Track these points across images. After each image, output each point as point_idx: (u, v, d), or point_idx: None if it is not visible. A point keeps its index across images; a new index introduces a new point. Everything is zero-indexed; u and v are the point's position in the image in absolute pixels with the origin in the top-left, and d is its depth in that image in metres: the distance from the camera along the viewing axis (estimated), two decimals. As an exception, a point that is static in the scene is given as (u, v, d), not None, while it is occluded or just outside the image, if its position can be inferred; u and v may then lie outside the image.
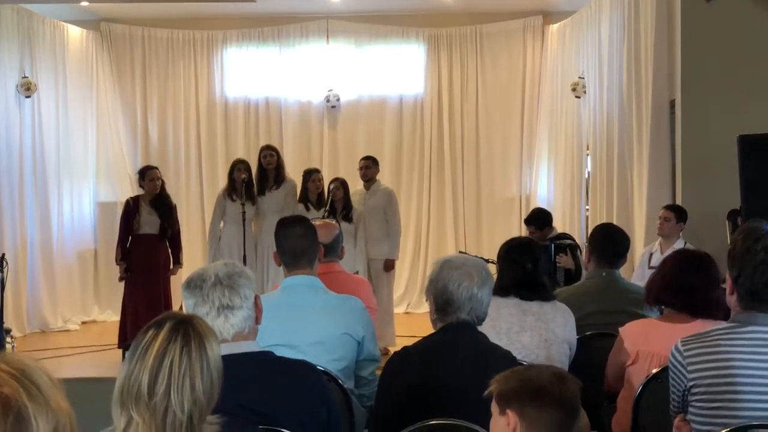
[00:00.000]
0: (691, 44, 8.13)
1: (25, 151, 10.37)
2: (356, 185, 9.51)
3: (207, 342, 2.19)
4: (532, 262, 4.27)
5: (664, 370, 3.32)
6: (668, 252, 5.86)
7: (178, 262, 9.11)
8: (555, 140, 11.61)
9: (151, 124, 12.16)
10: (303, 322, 3.87)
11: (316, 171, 9.48)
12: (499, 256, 4.40)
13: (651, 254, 7.78)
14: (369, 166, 9.36)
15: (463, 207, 12.23)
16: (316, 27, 12.09)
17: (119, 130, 11.98)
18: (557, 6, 11.69)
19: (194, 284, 2.92)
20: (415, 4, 11.76)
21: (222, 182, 10.17)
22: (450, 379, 3.18)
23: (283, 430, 2.84)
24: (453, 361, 3.25)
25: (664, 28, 8.48)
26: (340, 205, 9.01)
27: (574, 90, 10.68)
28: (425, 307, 12.20)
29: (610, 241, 4.97)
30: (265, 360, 2.97)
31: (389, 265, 9.26)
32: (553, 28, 11.84)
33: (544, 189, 11.87)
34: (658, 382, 3.59)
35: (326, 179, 9.45)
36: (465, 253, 9.09)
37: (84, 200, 11.62)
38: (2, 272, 8.35)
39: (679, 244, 7.41)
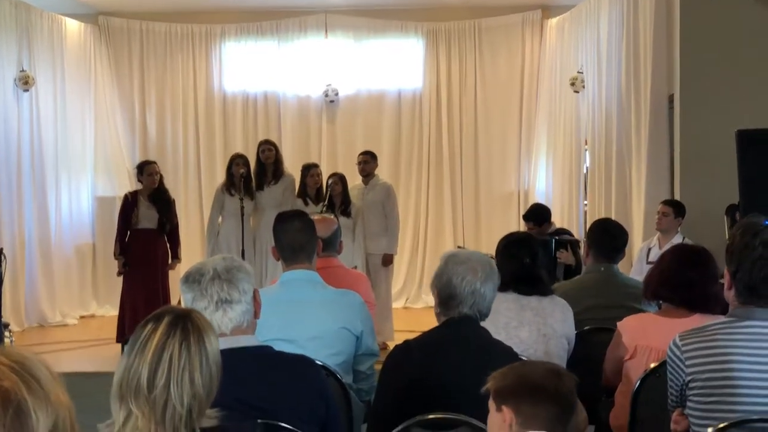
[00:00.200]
0: (690, 39, 8.13)
1: (23, 145, 10.36)
2: (355, 180, 9.51)
3: (206, 336, 2.20)
4: (531, 256, 4.27)
5: (662, 365, 3.33)
6: (666, 247, 5.84)
7: (176, 257, 9.11)
8: (554, 135, 11.61)
9: (149, 118, 12.15)
10: (301, 317, 3.87)
11: (315, 166, 9.48)
12: (497, 251, 4.40)
13: (649, 249, 7.79)
14: (367, 161, 9.35)
15: (461, 202, 12.23)
16: (315, 21, 12.08)
17: (117, 125, 11.97)
18: (556, 0, 11.68)
19: (193, 278, 2.92)
20: (413, -2, 11.78)
21: (220, 177, 10.16)
22: (451, 374, 3.18)
23: (281, 424, 2.84)
24: (454, 355, 3.25)
25: (663, 23, 8.48)
26: (338, 199, 9.00)
27: (572, 85, 10.67)
28: (424, 302, 12.31)
29: (609, 236, 4.97)
30: (263, 354, 2.97)
31: (388, 260, 9.25)
32: (552, 22, 11.83)
33: (542, 184, 11.87)
34: (656, 376, 3.59)
35: (325, 174, 9.44)
36: (463, 248, 9.10)
37: (82, 194, 11.61)
38: (0, 267, 8.34)
39: (677, 239, 7.41)
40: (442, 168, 12.19)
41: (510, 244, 4.37)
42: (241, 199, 8.96)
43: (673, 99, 8.38)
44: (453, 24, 12.15)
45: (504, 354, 3.22)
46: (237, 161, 9.25)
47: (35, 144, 10.57)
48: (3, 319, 8.53)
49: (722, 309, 3.49)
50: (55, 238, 10.94)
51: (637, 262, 7.93)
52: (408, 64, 12.20)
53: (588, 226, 5.80)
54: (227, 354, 2.84)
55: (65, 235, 11.16)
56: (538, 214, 8.24)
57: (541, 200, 10.69)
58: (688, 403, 3.02)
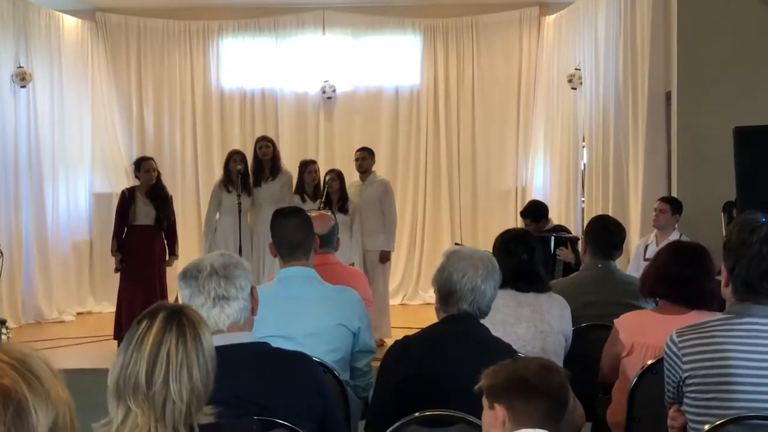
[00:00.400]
0: (687, 36, 8.13)
1: (20, 141, 10.35)
2: (352, 177, 9.51)
3: (200, 331, 2.22)
4: (528, 253, 4.27)
5: (659, 362, 3.33)
6: (664, 244, 5.86)
7: (173, 253, 9.11)
8: (551, 132, 11.62)
9: (146, 114, 12.13)
10: (299, 313, 3.88)
11: (312, 162, 9.48)
12: (494, 247, 4.39)
13: (646, 246, 7.79)
14: (365, 158, 9.35)
15: (459, 198, 12.23)
16: (312, 18, 12.07)
17: (114, 121, 11.96)
18: (554, -3, 11.69)
19: (190, 275, 2.92)
20: (411, -6, 11.77)
21: (218, 173, 10.16)
22: (449, 370, 3.18)
23: (278, 420, 2.84)
24: (453, 352, 3.25)
25: (660, 20, 8.48)
26: (335, 196, 9.00)
27: (570, 81, 10.68)
28: (421, 299, 12.29)
29: (606, 233, 4.97)
30: (260, 351, 2.97)
31: (385, 257, 9.26)
32: (550, 19, 11.83)
33: (540, 181, 11.87)
34: (653, 373, 3.59)
35: (322, 171, 9.44)
36: (460, 244, 9.10)
37: (79, 191, 11.61)
38: (-3, 263, 8.35)
39: (674, 236, 7.42)
40: (439, 165, 12.19)
41: (507, 241, 4.37)
42: (239, 196, 8.96)
43: (671, 96, 8.39)
44: (450, 21, 12.14)
45: (502, 351, 3.22)
46: (234, 158, 9.25)
47: (32, 140, 10.56)
48: (0, 316, 8.53)
49: (719, 305, 3.50)
50: (52, 235, 10.93)
51: (634, 259, 7.94)
52: (405, 60, 12.19)
53: (585, 223, 5.81)
54: (224, 350, 2.84)
55: (62, 231, 11.15)
56: (535, 211, 8.25)
57: (539, 197, 10.68)
58: (685, 400, 3.02)
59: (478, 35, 12.15)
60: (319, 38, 12.07)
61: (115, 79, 12.02)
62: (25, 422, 1.42)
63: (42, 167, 10.72)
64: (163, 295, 9.00)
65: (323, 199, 8.87)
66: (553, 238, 7.43)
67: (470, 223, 12.20)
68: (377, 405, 3.42)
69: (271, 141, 9.55)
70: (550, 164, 11.66)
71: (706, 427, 2.89)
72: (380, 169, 10.37)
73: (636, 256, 7.93)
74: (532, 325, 4.11)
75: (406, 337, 3.45)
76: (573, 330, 4.29)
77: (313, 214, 4.56)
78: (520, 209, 9.38)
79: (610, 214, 8.04)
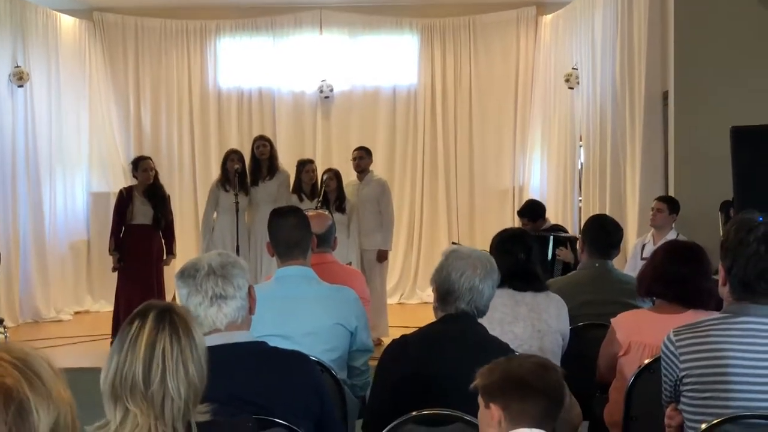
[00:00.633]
0: (684, 36, 8.14)
1: (17, 141, 10.35)
2: (349, 176, 9.51)
3: (191, 327, 2.24)
4: (525, 252, 4.27)
5: (656, 361, 3.34)
6: (661, 243, 5.86)
7: (171, 253, 9.11)
8: (548, 131, 11.62)
9: (144, 114, 12.13)
10: (296, 313, 3.88)
11: (310, 162, 9.48)
12: (492, 247, 4.39)
13: (644, 245, 7.80)
14: (362, 157, 9.35)
15: (456, 198, 12.24)
16: (310, 17, 12.07)
17: (112, 120, 11.95)
18: (551, -3, 11.70)
19: (188, 274, 2.92)
20: (408, -6, 11.77)
21: (215, 173, 10.15)
22: (446, 369, 3.19)
23: (276, 420, 2.85)
24: (450, 351, 3.26)
25: (657, 20, 8.49)
26: (333, 195, 9.00)
27: (567, 81, 10.69)
28: (418, 298, 12.27)
29: (604, 232, 4.98)
30: (258, 350, 2.97)
31: (382, 256, 9.26)
32: (547, 18, 11.83)
33: (537, 180, 11.87)
34: (650, 372, 3.60)
35: (319, 170, 9.44)
36: (457, 243, 9.10)
37: (77, 190, 11.60)
38: (-5, 262, 8.35)
39: (671, 236, 7.43)
40: (436, 164, 12.20)
41: (504, 240, 4.38)
42: (236, 195, 8.96)
43: (668, 95, 8.39)
44: (448, 20, 12.14)
45: (500, 350, 3.21)
46: (232, 157, 9.24)
47: (30, 140, 10.55)
48: (-3, 315, 8.54)
49: (716, 304, 3.50)
50: (50, 234, 10.92)
51: (631, 259, 7.94)
52: (403, 60, 12.19)
53: (582, 223, 5.81)
54: (222, 350, 2.85)
55: (60, 230, 11.15)
56: (532, 210, 8.25)
57: (536, 196, 10.69)
58: (682, 399, 3.02)
59: (476, 35, 12.15)
60: (316, 38, 12.07)
61: (112, 78, 12.02)
62: (27, 422, 1.42)
63: (39, 167, 10.71)
64: (161, 294, 9.00)
65: (321, 199, 8.87)
66: (552, 237, 7.43)
67: (467, 223, 12.20)
68: (374, 404, 3.42)
69: (268, 140, 9.54)
70: (547, 164, 11.66)
71: (703, 426, 2.89)
72: (377, 168, 10.37)
73: (633, 255, 7.93)
74: (529, 324, 4.11)
75: (403, 336, 3.45)
76: (570, 329, 4.30)
77: (310, 213, 4.56)
78: (517, 209, 9.38)
79: (608, 213, 8.04)
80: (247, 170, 9.25)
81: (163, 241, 9.06)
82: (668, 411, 3.14)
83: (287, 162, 9.90)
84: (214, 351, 2.85)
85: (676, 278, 3.87)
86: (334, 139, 12.16)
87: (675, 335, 3.03)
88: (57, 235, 11.08)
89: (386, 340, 7.45)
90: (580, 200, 10.61)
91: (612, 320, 4.04)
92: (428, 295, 9.30)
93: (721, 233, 3.34)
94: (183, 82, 12.16)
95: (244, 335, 2.95)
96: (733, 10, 8.05)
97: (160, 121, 12.14)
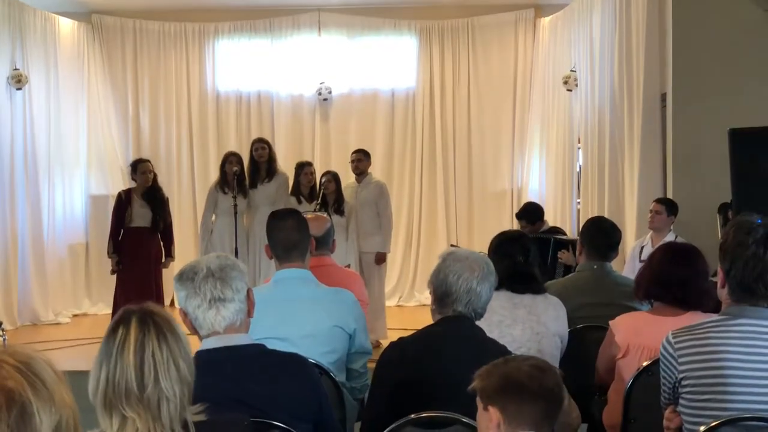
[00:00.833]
0: (683, 38, 8.14)
1: (16, 143, 10.34)
2: (348, 178, 9.51)
3: (174, 324, 2.25)
4: (523, 254, 4.27)
5: (655, 363, 3.34)
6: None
7: (170, 255, 9.12)
8: (546, 133, 11.62)
9: (142, 116, 12.13)
10: (294, 315, 3.87)
11: (309, 164, 9.47)
12: (490, 249, 4.39)
13: (642, 247, 7.80)
14: (361, 159, 9.35)
15: (454, 200, 12.24)
16: (308, 19, 12.07)
17: (111, 123, 11.95)
18: (549, -1, 11.71)
19: (186, 276, 2.92)
20: (407, -4, 11.78)
21: (214, 175, 10.16)
22: (444, 372, 3.19)
23: (274, 422, 2.84)
24: (448, 354, 3.25)
25: (655, 22, 8.49)
26: (331, 198, 9.00)
27: (565, 83, 10.69)
28: (417, 300, 12.25)
29: (602, 234, 4.98)
30: (256, 353, 2.97)
31: (381, 259, 9.25)
32: (545, 21, 11.84)
33: (535, 182, 11.88)
34: (649, 374, 3.60)
35: (318, 172, 9.44)
36: (456, 246, 9.10)
37: (75, 193, 11.60)
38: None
39: (670, 238, 7.42)
40: (435, 166, 12.20)
41: (503, 243, 4.38)
42: (235, 197, 8.95)
43: (666, 97, 8.40)
44: (446, 22, 12.15)
45: (498, 352, 3.21)
46: (230, 159, 9.24)
47: (28, 142, 10.55)
48: (-5, 318, 8.53)
49: (714, 305, 3.50)
50: (48, 236, 10.92)
51: (629, 261, 7.94)
52: (401, 62, 12.20)
53: (581, 225, 5.81)
54: (220, 352, 2.86)
55: (58, 233, 11.15)
56: (530, 213, 8.26)
57: (534, 198, 10.69)
58: (681, 401, 3.03)
59: (474, 37, 12.16)
60: (315, 40, 12.07)
61: (111, 81, 12.02)
62: (29, 425, 1.42)
63: (38, 169, 10.71)
64: (160, 297, 9.01)
65: (319, 201, 8.86)
66: (553, 240, 7.43)
67: (466, 225, 12.21)
68: (373, 407, 3.42)
69: (267, 143, 9.54)
70: (545, 166, 11.67)
71: (702, 428, 2.89)
72: (376, 170, 10.38)
73: (632, 257, 7.93)
74: (528, 326, 4.11)
75: (401, 339, 3.45)
76: (569, 331, 4.30)
77: (309, 215, 4.55)
78: (515, 211, 9.39)
79: (606, 215, 8.04)
80: (245, 173, 9.25)
81: (161, 243, 9.07)
82: (667, 413, 3.14)
83: (286, 164, 9.90)
84: (212, 353, 2.87)
85: (675, 280, 3.87)
86: (333, 142, 12.16)
87: (674, 337, 3.03)
88: (55, 237, 11.08)
89: (385, 343, 7.45)
90: (579, 202, 10.61)
91: (611, 322, 4.04)
92: (426, 297, 9.26)
93: (720, 235, 3.34)
94: (182, 85, 12.16)
95: (242, 338, 2.94)
96: (731, 13, 8.06)
97: (159, 123, 12.14)
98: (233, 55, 12.20)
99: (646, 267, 4.07)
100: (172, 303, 9.93)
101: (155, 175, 9.11)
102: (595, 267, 4.90)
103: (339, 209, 8.96)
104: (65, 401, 1.50)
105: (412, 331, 3.50)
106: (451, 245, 10.49)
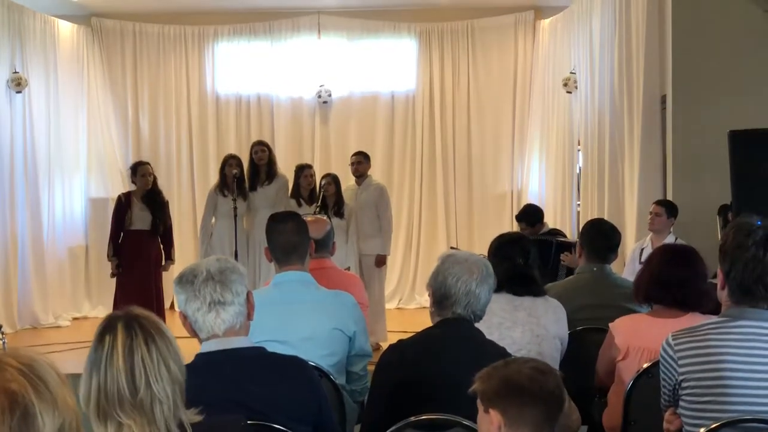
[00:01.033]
0: (682, 40, 8.14)
1: (16, 146, 10.34)
2: (348, 181, 9.51)
3: (159, 325, 2.24)
4: (523, 257, 4.27)
5: (655, 365, 3.33)
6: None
7: (169, 258, 9.12)
8: (546, 135, 11.62)
9: (142, 119, 12.14)
10: (294, 318, 3.87)
11: (308, 167, 9.47)
12: (490, 251, 4.40)
13: (642, 249, 7.79)
14: (360, 162, 9.35)
15: (454, 202, 12.24)
16: (308, 22, 12.08)
17: (110, 126, 11.95)
18: (549, 1, 11.70)
19: (186, 279, 2.92)
20: (406, -2, 11.79)
21: (213, 178, 10.17)
22: (443, 374, 3.18)
23: (274, 425, 2.84)
24: (447, 356, 3.25)
25: (655, 24, 8.49)
26: (331, 200, 9.00)
27: (565, 85, 10.69)
28: (417, 303, 12.23)
29: (601, 237, 4.98)
30: (256, 355, 2.97)
31: (381, 261, 9.25)
32: (545, 23, 11.85)
33: (535, 184, 11.88)
34: (649, 376, 3.60)
35: (318, 175, 9.44)
36: (456, 248, 9.10)
37: (75, 196, 11.60)
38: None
39: (670, 239, 7.41)
40: (435, 168, 12.20)
41: (503, 245, 4.38)
42: (234, 200, 8.96)
43: (666, 99, 8.39)
44: (446, 25, 12.15)
45: (497, 355, 3.20)
46: (230, 162, 9.25)
47: (28, 146, 10.55)
48: (-5, 321, 8.52)
49: (714, 306, 3.50)
50: (48, 239, 10.92)
51: (629, 263, 7.93)
52: (401, 64, 12.20)
53: (581, 227, 5.80)
54: (220, 355, 2.85)
55: (58, 236, 11.15)
56: (530, 215, 8.26)
57: (534, 201, 10.70)
58: (681, 403, 3.02)
59: (474, 39, 12.16)
60: (314, 42, 12.07)
61: (110, 84, 12.02)
62: (32, 427, 1.42)
63: (38, 172, 10.71)
64: (159, 299, 9.01)
65: (319, 204, 8.87)
66: (556, 243, 7.43)
67: (466, 227, 12.20)
68: (372, 409, 3.42)
69: (266, 145, 9.55)
70: (545, 168, 11.67)
71: (702, 430, 2.89)
72: (376, 173, 10.38)
73: (632, 259, 7.92)
74: (528, 329, 4.10)
75: (400, 341, 3.45)
76: (569, 333, 4.29)
77: (308, 218, 4.55)
78: (515, 213, 9.38)
79: (606, 217, 8.05)
80: (245, 175, 9.26)
81: (161, 246, 9.07)
82: (667, 415, 3.14)
83: (285, 167, 9.90)
84: (212, 356, 2.87)
85: (674, 281, 3.87)
86: (333, 144, 12.17)
87: (673, 339, 3.03)
88: (55, 240, 11.08)
89: (385, 345, 7.41)
90: (579, 204, 10.60)
91: (610, 325, 4.04)
92: (427, 299, 9.25)
93: (719, 237, 3.33)
94: (181, 88, 12.16)
95: (242, 341, 2.94)
96: (731, 14, 8.06)
97: (159, 126, 12.15)
98: (233, 57, 12.20)
99: (644, 269, 4.07)
100: (172, 306, 9.94)
101: (155, 178, 9.11)
102: (595, 269, 4.90)
103: (339, 212, 8.96)
104: (68, 404, 1.50)
105: (413, 334, 3.50)
106: (451, 247, 10.49)
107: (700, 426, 2.91)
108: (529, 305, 4.17)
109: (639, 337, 3.87)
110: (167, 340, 2.21)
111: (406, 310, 11.61)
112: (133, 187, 9.14)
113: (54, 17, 11.26)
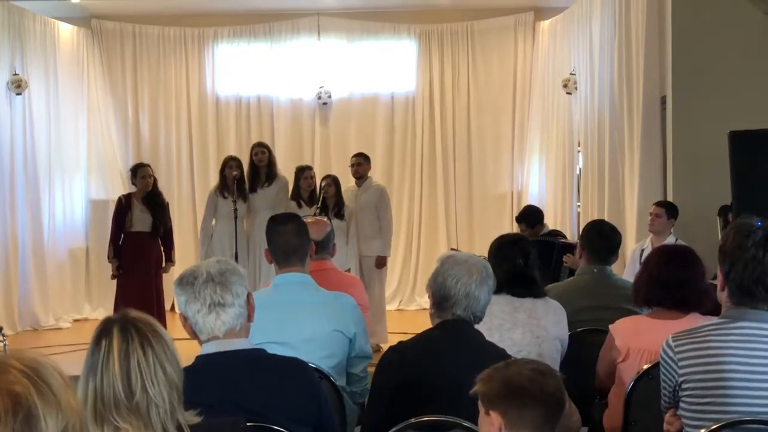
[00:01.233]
0: (682, 40, 8.14)
1: (16, 148, 10.35)
2: (348, 182, 9.51)
3: (156, 327, 2.24)
4: (523, 258, 4.27)
5: (655, 366, 3.33)
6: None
7: (170, 260, 9.12)
8: (546, 137, 11.62)
9: (142, 121, 12.14)
10: (294, 319, 3.87)
11: (309, 168, 9.48)
12: (490, 252, 4.39)
13: (642, 250, 7.78)
14: (360, 163, 9.35)
15: (454, 204, 12.23)
16: (307, 23, 12.07)
17: (111, 128, 11.95)
18: (548, 2, 11.69)
19: (186, 281, 2.92)
20: (406, 0, 11.76)
21: (214, 179, 10.16)
22: (443, 376, 3.18)
23: (274, 427, 2.84)
24: (447, 357, 3.25)
25: (654, 24, 8.49)
26: (331, 202, 9.00)
27: (565, 86, 10.69)
28: (417, 304, 12.24)
29: (602, 238, 4.98)
30: (256, 357, 2.97)
31: (381, 262, 9.25)
32: (545, 24, 11.85)
33: (535, 185, 11.87)
34: (649, 378, 3.60)
35: (318, 176, 9.44)
36: (456, 249, 9.10)
37: (75, 198, 11.60)
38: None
39: (670, 240, 7.41)
40: (435, 170, 12.20)
41: (503, 246, 4.38)
42: (235, 202, 8.95)
43: (666, 100, 8.39)
44: (446, 26, 12.15)
45: (497, 356, 3.21)
46: (230, 163, 9.25)
47: (28, 147, 10.56)
48: (-4, 323, 8.53)
49: (713, 306, 3.50)
50: (49, 241, 10.92)
51: (630, 264, 7.93)
52: (401, 66, 12.20)
53: (581, 228, 5.81)
54: (220, 357, 2.86)
55: (59, 238, 11.14)
56: (530, 216, 8.26)
57: (534, 202, 10.70)
58: (681, 404, 3.02)
59: (474, 41, 12.16)
60: (314, 44, 12.07)
61: (110, 85, 12.02)
62: (35, 429, 1.42)
63: (38, 174, 10.71)
64: (160, 301, 9.01)
65: (319, 205, 8.87)
66: (558, 244, 7.42)
67: (466, 229, 12.20)
68: (372, 411, 3.41)
69: (266, 147, 9.55)
70: (545, 169, 11.66)
71: (702, 431, 2.89)
72: (376, 174, 10.38)
73: (632, 260, 7.92)
74: (528, 330, 4.10)
75: (400, 343, 3.45)
76: (569, 335, 4.29)
77: (309, 220, 4.55)
78: (515, 214, 9.38)
79: (606, 218, 8.05)
80: (245, 177, 9.26)
81: (162, 248, 9.07)
82: (667, 417, 3.14)
83: (286, 168, 9.90)
84: (212, 358, 2.87)
85: (674, 281, 3.87)
86: (333, 146, 12.17)
87: (674, 341, 3.03)
88: (56, 242, 11.08)
89: (385, 347, 7.43)
90: (579, 205, 10.60)
91: (610, 326, 4.04)
92: (427, 301, 9.24)
93: (720, 238, 3.34)
94: (181, 89, 12.16)
95: (242, 342, 2.94)
96: (731, 16, 8.05)
97: (159, 128, 12.15)
98: (233, 59, 12.20)
99: (642, 272, 4.07)
100: (172, 308, 9.93)
101: (155, 180, 9.11)
102: (596, 270, 4.90)
103: (339, 213, 8.96)
104: (72, 406, 1.50)
105: (413, 335, 3.50)
106: (452, 249, 10.49)
107: (700, 427, 2.91)
108: (529, 306, 4.17)
109: (639, 339, 3.87)
110: (164, 343, 2.21)
111: (406, 312, 11.60)
112: (133, 189, 9.14)
113: (54, 19, 11.27)
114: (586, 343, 4.40)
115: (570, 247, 7.37)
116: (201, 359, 2.89)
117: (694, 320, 3.68)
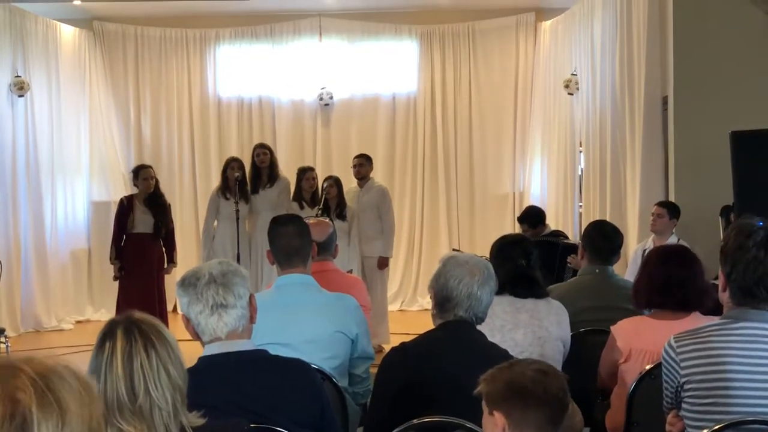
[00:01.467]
0: (684, 41, 8.14)
1: (18, 150, 10.36)
2: (350, 183, 9.51)
3: (161, 329, 2.24)
4: (525, 258, 4.27)
5: (657, 367, 3.33)
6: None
7: (172, 261, 9.12)
8: (548, 137, 11.62)
9: (144, 122, 12.15)
10: (296, 320, 3.87)
11: (310, 169, 9.48)
12: (492, 253, 4.39)
13: (644, 251, 7.76)
14: (362, 164, 9.36)
15: (456, 204, 12.24)
16: (309, 24, 12.08)
17: (112, 129, 11.96)
18: (550, 3, 11.69)
19: (188, 282, 2.92)
20: (407, 1, 11.76)
21: (215, 181, 10.16)
22: (445, 376, 3.18)
23: (277, 428, 2.84)
24: (449, 358, 3.25)
25: (656, 25, 8.49)
26: (333, 203, 9.00)
27: (566, 87, 10.69)
28: (419, 305, 12.25)
29: (604, 238, 4.97)
30: (258, 358, 2.97)
31: (383, 263, 9.26)
32: (546, 24, 11.85)
33: (537, 186, 11.87)
34: (651, 378, 3.60)
35: (320, 177, 9.45)
36: (458, 250, 9.09)
37: (77, 199, 11.61)
38: (-4, 272, 8.35)
39: (672, 241, 7.41)
40: (437, 170, 12.20)
41: (504, 246, 4.37)
42: (236, 203, 8.96)
43: (667, 100, 8.39)
44: (447, 27, 12.15)
45: (499, 357, 3.21)
46: (232, 165, 9.25)
47: (30, 149, 10.57)
48: (-2, 325, 8.53)
49: (714, 305, 3.50)
50: (51, 243, 10.93)
51: (632, 264, 7.93)
52: (402, 66, 12.20)
53: (583, 228, 5.81)
54: (222, 358, 2.86)
55: (61, 239, 11.16)
56: (532, 217, 8.25)
57: (536, 202, 10.70)
58: (683, 405, 3.02)
59: (475, 41, 12.16)
60: (315, 45, 12.07)
61: (112, 87, 12.03)
62: None
63: (40, 176, 10.72)
64: (162, 303, 9.01)
65: (321, 206, 8.87)
66: (561, 245, 7.42)
67: (468, 229, 12.20)
68: (375, 412, 3.42)
69: (268, 148, 9.55)
70: (547, 169, 11.66)
71: (705, 431, 2.89)
72: (377, 175, 10.38)
73: (634, 260, 7.92)
74: (530, 331, 4.10)
75: (402, 344, 3.45)
76: (571, 335, 4.29)
77: (311, 221, 4.56)
78: (517, 215, 9.38)
79: (608, 219, 8.04)
80: (247, 178, 9.26)
81: (163, 249, 9.07)
82: (669, 417, 3.14)
83: (287, 169, 9.91)
84: (214, 359, 2.88)
85: (674, 281, 3.86)
86: (334, 147, 12.17)
87: (675, 341, 3.03)
88: (58, 244, 11.09)
89: (387, 347, 7.42)
90: (581, 206, 10.60)
91: (612, 327, 4.04)
92: (429, 302, 9.24)
93: (722, 238, 3.33)
94: (183, 91, 12.17)
95: (245, 344, 2.94)
96: (732, 15, 8.06)
97: (161, 129, 12.16)
98: (234, 60, 12.21)
99: (641, 274, 4.06)
100: (174, 309, 9.94)
101: (157, 181, 9.12)
102: (597, 271, 4.89)
103: (341, 214, 8.97)
104: (81, 417, 1.47)
105: (415, 336, 3.50)
106: (454, 249, 10.49)
107: (702, 428, 2.91)
108: (531, 307, 4.17)
109: (641, 340, 3.87)
110: (167, 345, 2.21)
111: (408, 312, 11.61)
112: (135, 191, 9.15)
113: (56, 21, 11.28)
114: (588, 344, 4.40)
115: (573, 248, 7.37)
116: (203, 360, 2.90)
117: (695, 320, 3.68)
